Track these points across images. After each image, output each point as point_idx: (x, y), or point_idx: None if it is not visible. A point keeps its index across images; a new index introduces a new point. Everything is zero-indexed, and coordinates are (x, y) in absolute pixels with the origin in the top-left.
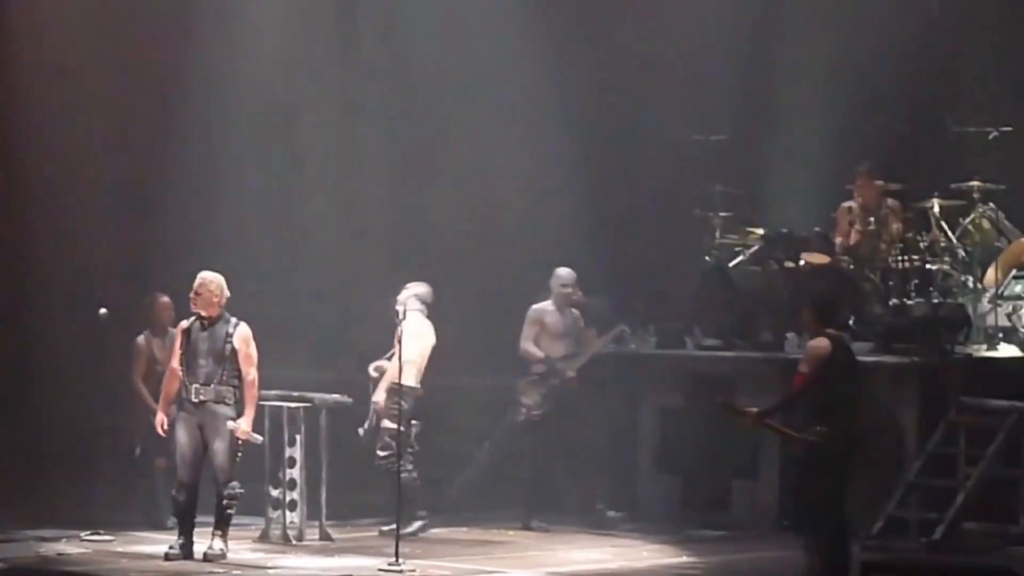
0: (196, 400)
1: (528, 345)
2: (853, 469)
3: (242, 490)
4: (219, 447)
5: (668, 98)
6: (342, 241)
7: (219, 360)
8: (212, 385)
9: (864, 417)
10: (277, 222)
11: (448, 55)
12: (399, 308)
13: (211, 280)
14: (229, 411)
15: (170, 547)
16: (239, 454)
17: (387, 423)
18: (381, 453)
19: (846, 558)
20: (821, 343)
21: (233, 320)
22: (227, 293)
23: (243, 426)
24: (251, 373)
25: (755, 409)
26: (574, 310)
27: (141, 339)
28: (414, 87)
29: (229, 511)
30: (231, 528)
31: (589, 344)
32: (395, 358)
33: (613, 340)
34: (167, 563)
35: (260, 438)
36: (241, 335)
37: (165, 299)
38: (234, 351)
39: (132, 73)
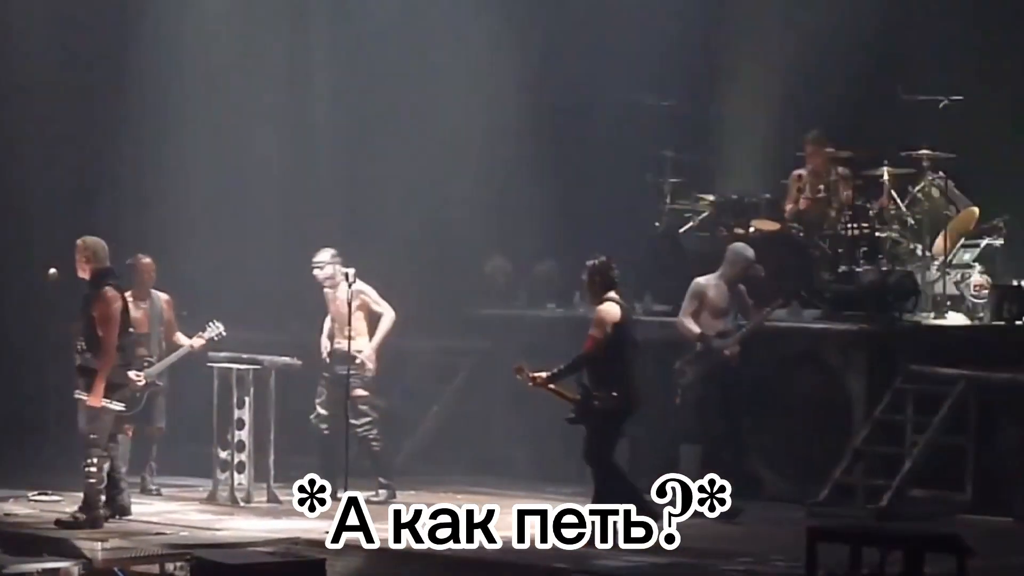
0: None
1: (687, 320)
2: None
3: (94, 467)
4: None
5: (619, 63)
6: (292, 203)
7: (85, 326)
8: (81, 353)
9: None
10: (229, 185)
11: (397, 23)
12: (342, 273)
13: (79, 243)
14: (86, 381)
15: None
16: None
17: (360, 391)
18: (356, 422)
19: (632, 494)
20: (611, 309)
21: (105, 285)
22: (100, 257)
23: (88, 399)
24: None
25: (542, 374)
26: (742, 285)
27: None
28: (363, 53)
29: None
30: (179, 488)
31: (752, 319)
32: (384, 322)
33: (773, 312)
34: (112, 523)
35: (118, 406)
36: (99, 298)
37: (146, 260)
38: (91, 318)
39: (83, 41)
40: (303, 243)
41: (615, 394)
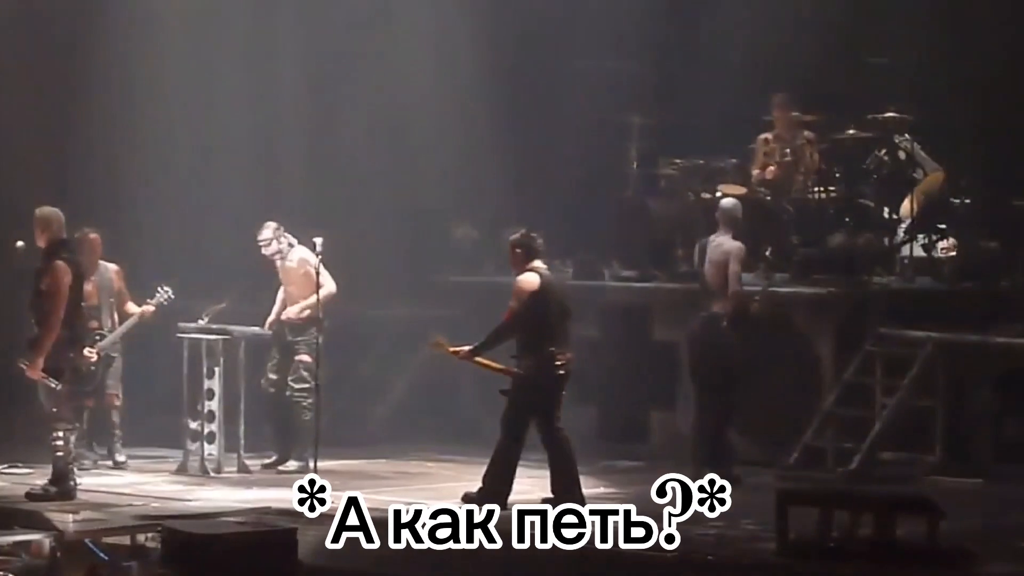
0: None
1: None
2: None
3: (60, 440)
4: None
5: (584, 28)
6: (260, 175)
7: (35, 299)
8: (33, 326)
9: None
10: (195, 156)
11: None
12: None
13: (35, 213)
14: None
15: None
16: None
17: (305, 357)
18: (296, 386)
19: (511, 470)
20: (530, 279)
21: (56, 258)
22: (54, 228)
23: (27, 371)
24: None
25: (466, 347)
26: None
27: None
28: (327, 21)
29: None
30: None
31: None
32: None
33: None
34: (84, 494)
35: (53, 383)
36: (48, 271)
37: (93, 234)
38: (40, 291)
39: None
40: (271, 213)
41: (538, 364)
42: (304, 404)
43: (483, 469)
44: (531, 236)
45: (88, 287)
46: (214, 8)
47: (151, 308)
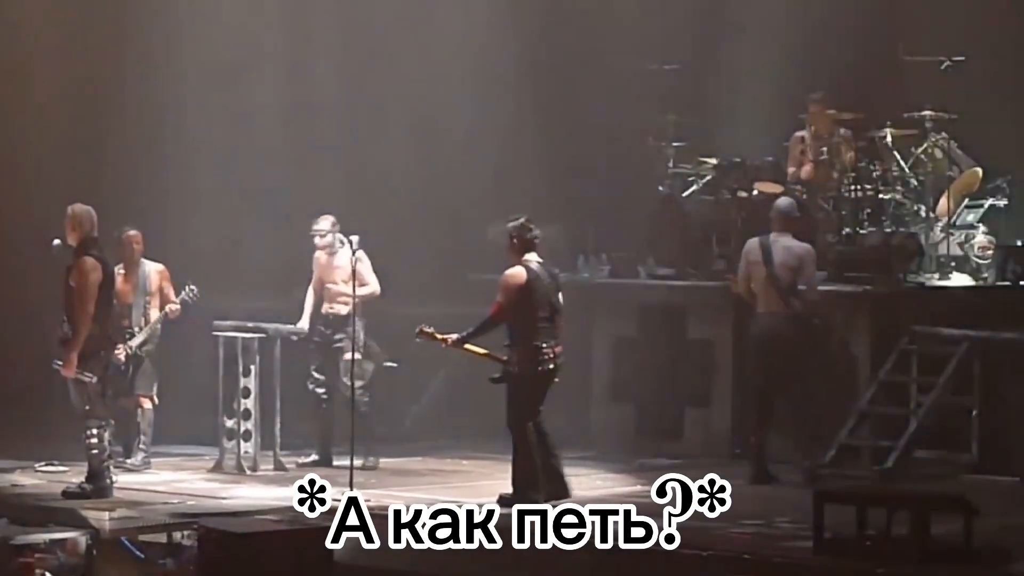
0: None
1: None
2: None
3: (94, 438)
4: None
5: (620, 27)
6: (295, 172)
7: (65, 297)
8: (63, 323)
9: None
10: (233, 154)
11: None
12: (341, 240)
13: (68, 211)
14: (63, 353)
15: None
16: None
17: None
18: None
19: (534, 466)
20: (516, 273)
21: (85, 255)
22: (84, 226)
23: (62, 369)
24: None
25: (453, 336)
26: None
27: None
28: (364, 17)
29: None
30: (186, 458)
31: None
32: (365, 291)
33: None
34: (120, 492)
35: (88, 377)
36: (78, 268)
37: (131, 232)
38: (70, 289)
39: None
40: (306, 212)
41: (525, 359)
42: (364, 400)
43: None
44: (528, 227)
45: (126, 286)
46: (250, 7)
47: (176, 307)
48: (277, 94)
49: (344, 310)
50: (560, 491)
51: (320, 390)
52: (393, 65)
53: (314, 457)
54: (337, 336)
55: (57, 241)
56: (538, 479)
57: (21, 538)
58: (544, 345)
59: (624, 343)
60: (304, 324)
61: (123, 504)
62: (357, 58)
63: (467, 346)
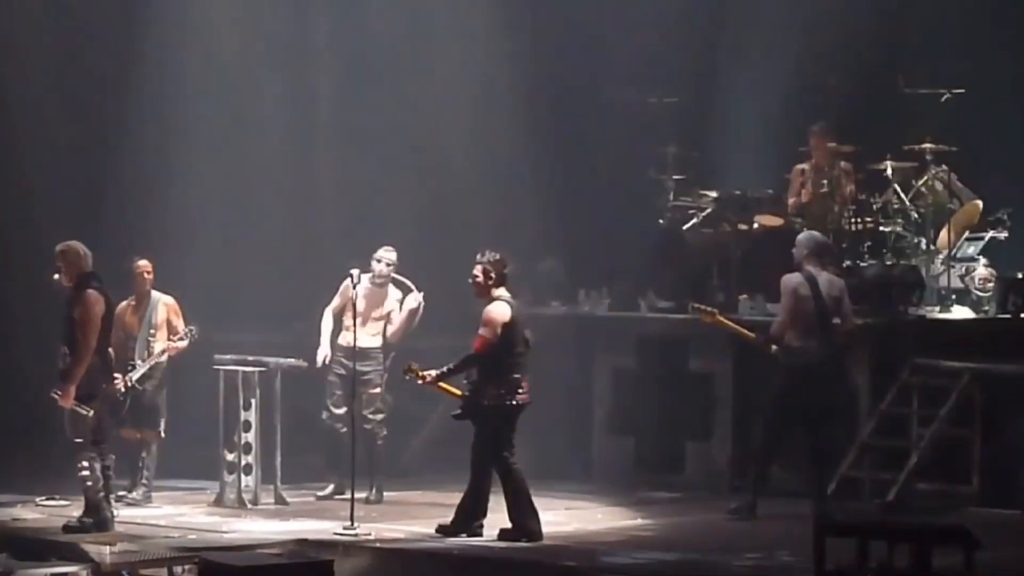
0: None
1: None
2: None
3: (86, 471)
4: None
5: (620, 61)
6: (296, 206)
7: (66, 330)
8: (63, 356)
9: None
10: (232, 186)
11: (397, 22)
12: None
13: (57, 250)
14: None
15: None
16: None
17: (378, 388)
18: (377, 417)
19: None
20: (503, 309)
21: (87, 288)
22: (80, 262)
23: (60, 400)
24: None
25: (433, 372)
26: None
27: (122, 304)
28: (363, 54)
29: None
30: (187, 492)
31: None
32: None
33: None
34: (121, 526)
35: (84, 411)
36: (79, 300)
37: (140, 262)
38: (72, 321)
39: (86, 56)
40: (305, 244)
41: (501, 392)
42: (382, 435)
43: None
44: (504, 263)
45: (132, 316)
46: (251, 37)
47: (176, 346)
48: (278, 129)
49: (376, 342)
50: (534, 528)
51: (338, 424)
52: (393, 100)
53: (331, 488)
54: (366, 368)
55: (58, 275)
56: (531, 504)
57: (22, 572)
58: (519, 377)
59: (624, 376)
60: (324, 351)
61: (124, 538)
62: (357, 93)
63: (441, 384)
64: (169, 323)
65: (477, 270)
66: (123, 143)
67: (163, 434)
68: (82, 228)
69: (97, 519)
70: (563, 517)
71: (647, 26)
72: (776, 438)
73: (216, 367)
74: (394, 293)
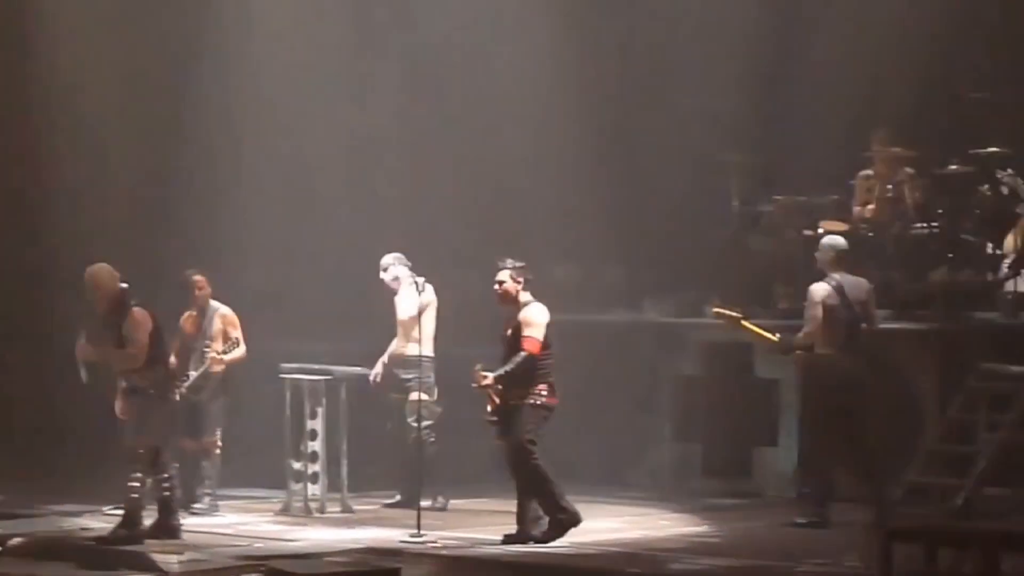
0: None
1: None
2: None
3: (137, 483)
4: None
5: (686, 66)
6: (360, 214)
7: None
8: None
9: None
10: (296, 195)
11: (462, 27)
12: (411, 279)
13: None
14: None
15: None
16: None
17: (421, 395)
18: (417, 425)
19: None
20: (543, 310)
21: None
22: (108, 284)
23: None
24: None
25: (490, 377)
26: None
27: (184, 316)
28: (427, 60)
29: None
30: (253, 500)
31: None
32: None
33: None
34: (188, 535)
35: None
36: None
37: (195, 276)
38: (120, 337)
39: (146, 64)
40: (369, 252)
41: (536, 394)
42: (431, 441)
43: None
44: (524, 270)
45: (192, 328)
46: (314, 43)
47: (223, 358)
48: (341, 137)
49: (409, 350)
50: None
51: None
52: (453, 109)
53: (397, 498)
54: (407, 376)
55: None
56: (561, 499)
57: None
58: (552, 380)
59: (689, 382)
60: (377, 368)
61: (191, 547)
62: (416, 100)
63: (491, 392)
64: (225, 334)
65: (503, 276)
66: (184, 153)
67: (219, 443)
68: (140, 238)
69: (132, 532)
70: (627, 523)
71: (713, 31)
72: (818, 447)
73: (282, 376)
74: (424, 297)
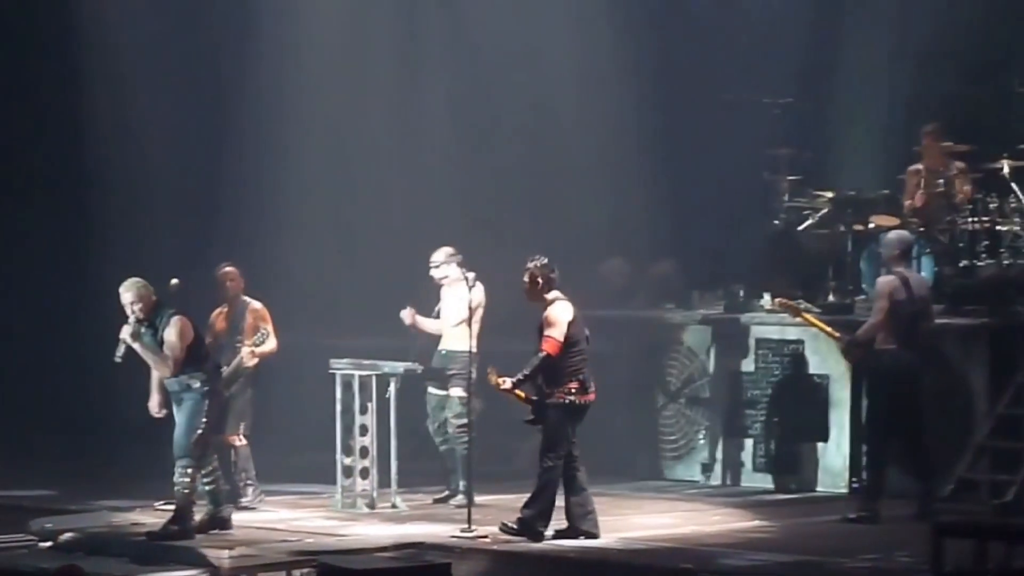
0: None
1: None
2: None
3: (186, 479)
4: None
5: (735, 61)
6: (409, 207)
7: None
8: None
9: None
10: (346, 190)
11: (509, 19)
12: (460, 273)
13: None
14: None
15: None
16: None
17: (460, 391)
18: (458, 422)
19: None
20: (566, 309)
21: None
22: (145, 295)
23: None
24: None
25: (509, 380)
26: None
27: (215, 311)
28: (476, 53)
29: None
30: (303, 496)
31: None
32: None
33: None
34: (239, 530)
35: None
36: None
37: (226, 269)
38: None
39: (198, 45)
40: (420, 247)
41: (567, 391)
42: (463, 440)
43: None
44: (551, 267)
45: (223, 323)
46: (364, 35)
47: (249, 350)
48: (391, 131)
49: (452, 345)
50: (593, 529)
51: (441, 429)
52: (505, 101)
53: (446, 492)
54: (448, 371)
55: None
56: (550, 515)
57: None
58: (584, 376)
59: (740, 377)
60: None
61: (242, 542)
62: (468, 93)
63: (516, 391)
64: (257, 329)
65: (526, 275)
66: (234, 147)
67: (245, 436)
68: (193, 234)
69: (183, 528)
70: (679, 519)
71: (761, 26)
72: (881, 442)
73: (332, 371)
74: (473, 294)
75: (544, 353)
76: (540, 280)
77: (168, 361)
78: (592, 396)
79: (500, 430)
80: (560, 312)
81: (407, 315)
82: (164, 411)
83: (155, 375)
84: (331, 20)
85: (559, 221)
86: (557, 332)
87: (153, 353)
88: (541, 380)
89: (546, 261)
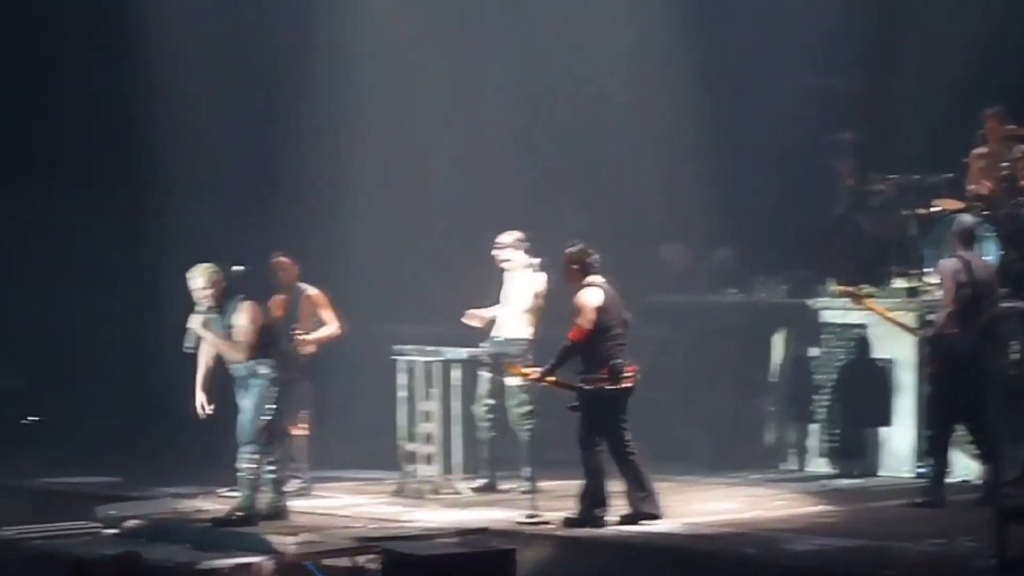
0: None
1: None
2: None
3: (252, 465)
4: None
5: (796, 45)
6: (471, 194)
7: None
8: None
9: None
10: (408, 177)
11: (568, 14)
12: (525, 259)
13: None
14: None
15: None
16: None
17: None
18: (520, 410)
19: (602, 488)
20: (593, 295)
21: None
22: (216, 279)
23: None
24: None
25: (537, 370)
26: None
27: (272, 300)
28: (534, 41)
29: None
30: (367, 482)
31: None
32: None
33: None
34: (303, 517)
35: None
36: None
37: (281, 258)
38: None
39: (257, 35)
40: (481, 235)
41: (602, 377)
42: (527, 427)
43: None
44: (587, 252)
45: (280, 311)
46: (424, 30)
47: (303, 338)
48: (451, 121)
49: (511, 332)
50: (653, 510)
51: (489, 415)
52: (564, 93)
53: (483, 481)
54: (507, 357)
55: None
56: (606, 499)
57: (206, 563)
58: (621, 362)
59: (804, 362)
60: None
61: (306, 528)
62: (528, 80)
63: (550, 379)
64: (315, 317)
65: (564, 260)
66: (296, 139)
67: (306, 425)
68: (256, 222)
69: (247, 513)
70: (742, 504)
71: (825, 9)
72: (945, 427)
73: (394, 357)
74: (535, 281)
75: (568, 342)
76: (576, 265)
77: (241, 346)
78: (627, 383)
79: (560, 416)
80: (588, 298)
81: (473, 320)
82: (212, 407)
83: (200, 374)
84: (389, 8)
85: (619, 207)
86: (583, 319)
87: (224, 340)
88: (582, 366)
89: (583, 246)
